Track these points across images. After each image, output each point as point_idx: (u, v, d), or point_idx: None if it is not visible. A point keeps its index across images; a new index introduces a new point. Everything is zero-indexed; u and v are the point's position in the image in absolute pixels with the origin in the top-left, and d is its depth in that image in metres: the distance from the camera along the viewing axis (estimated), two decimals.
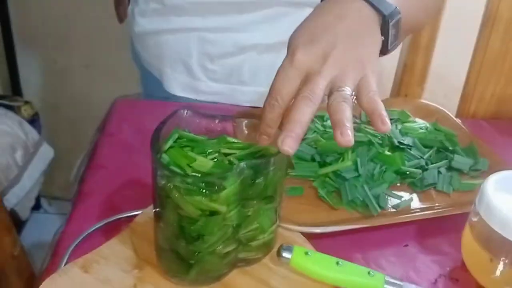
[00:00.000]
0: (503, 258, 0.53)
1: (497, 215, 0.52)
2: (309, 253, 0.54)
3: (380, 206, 0.65)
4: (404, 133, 0.76)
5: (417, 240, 0.63)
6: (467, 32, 0.92)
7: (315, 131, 0.75)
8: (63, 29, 1.66)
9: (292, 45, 0.50)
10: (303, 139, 0.72)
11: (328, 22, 0.52)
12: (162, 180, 0.48)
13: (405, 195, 0.68)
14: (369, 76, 0.51)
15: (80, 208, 0.63)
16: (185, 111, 0.53)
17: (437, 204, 0.67)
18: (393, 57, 0.91)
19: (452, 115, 0.83)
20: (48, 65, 1.74)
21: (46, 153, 1.62)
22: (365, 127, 0.76)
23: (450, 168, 0.72)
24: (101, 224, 0.60)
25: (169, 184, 0.47)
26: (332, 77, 0.49)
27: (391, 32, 0.56)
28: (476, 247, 0.55)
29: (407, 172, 0.70)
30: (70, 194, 0.73)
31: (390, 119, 0.78)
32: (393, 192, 0.68)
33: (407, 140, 0.74)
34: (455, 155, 0.72)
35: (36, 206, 1.68)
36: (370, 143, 0.72)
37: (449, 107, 0.86)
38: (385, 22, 0.55)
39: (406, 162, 0.71)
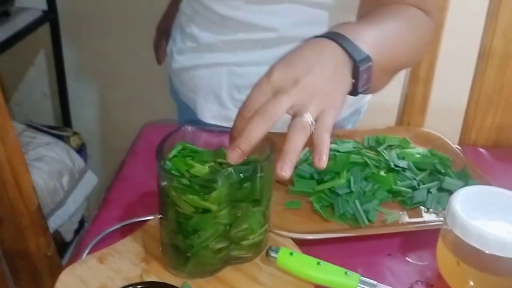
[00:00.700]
0: (467, 261, 0.59)
1: (459, 222, 0.59)
2: (293, 254, 0.61)
3: (369, 220, 0.71)
4: (401, 157, 0.82)
5: (399, 251, 0.69)
6: (465, 66, 0.97)
7: None
8: (110, 67, 1.82)
9: (272, 67, 0.58)
10: (304, 160, 0.80)
11: (307, 55, 0.60)
12: (163, 181, 0.57)
13: (395, 212, 0.73)
14: (329, 111, 0.56)
15: (103, 212, 0.73)
16: (189, 127, 0.63)
17: (424, 220, 0.73)
18: (396, 89, 0.98)
19: (453, 143, 0.87)
20: (96, 99, 1.90)
21: (90, 180, 1.74)
22: (366, 152, 0.83)
23: (441, 189, 0.77)
24: (119, 226, 0.69)
25: (168, 185, 0.56)
26: (297, 101, 0.55)
27: (362, 76, 0.61)
28: (446, 252, 0.61)
29: (399, 191, 0.76)
30: None
31: (390, 146, 0.86)
32: (384, 209, 0.74)
33: (402, 163, 0.80)
34: (446, 177, 0.78)
35: (79, 229, 1.77)
36: (365, 164, 0.78)
37: (451, 136, 0.90)
38: (357, 67, 0.61)
39: (399, 182, 0.77)
